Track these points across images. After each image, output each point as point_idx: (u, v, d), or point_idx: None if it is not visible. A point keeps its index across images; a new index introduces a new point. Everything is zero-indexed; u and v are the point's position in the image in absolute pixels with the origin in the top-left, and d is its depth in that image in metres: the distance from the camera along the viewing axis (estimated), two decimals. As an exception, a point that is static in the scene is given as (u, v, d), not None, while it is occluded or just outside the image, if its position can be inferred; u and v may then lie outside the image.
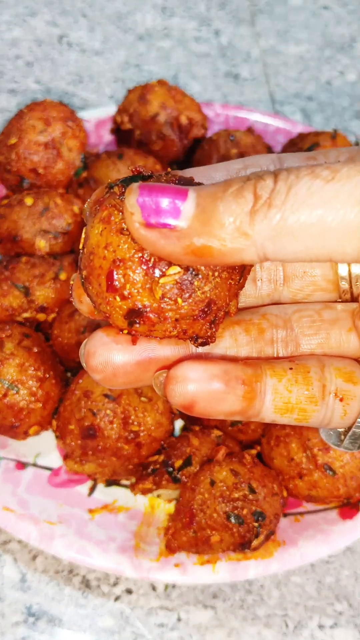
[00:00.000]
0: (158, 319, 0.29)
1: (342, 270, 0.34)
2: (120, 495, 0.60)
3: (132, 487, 0.59)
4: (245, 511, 0.52)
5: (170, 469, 0.56)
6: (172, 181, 0.30)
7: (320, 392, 0.33)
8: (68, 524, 0.56)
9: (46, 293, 0.66)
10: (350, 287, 0.35)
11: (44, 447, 0.62)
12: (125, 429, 0.57)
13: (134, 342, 0.32)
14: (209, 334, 0.31)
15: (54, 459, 0.61)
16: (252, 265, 0.32)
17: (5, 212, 0.70)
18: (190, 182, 0.30)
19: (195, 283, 0.29)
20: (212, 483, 0.53)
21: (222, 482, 0.53)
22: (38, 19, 1.14)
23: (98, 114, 0.85)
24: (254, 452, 0.59)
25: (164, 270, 0.29)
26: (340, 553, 0.60)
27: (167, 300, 0.29)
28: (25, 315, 0.65)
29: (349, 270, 0.34)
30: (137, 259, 0.29)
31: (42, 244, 0.69)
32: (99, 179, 0.73)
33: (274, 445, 0.58)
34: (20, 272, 0.66)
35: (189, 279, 0.29)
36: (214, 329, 0.31)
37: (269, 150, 0.81)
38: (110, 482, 0.60)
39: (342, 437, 0.36)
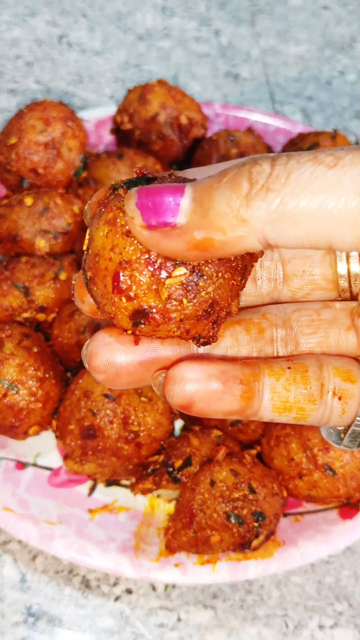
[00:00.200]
0: (163, 319, 0.30)
1: (342, 268, 0.34)
2: (120, 495, 0.60)
3: (132, 487, 0.59)
4: (245, 511, 0.52)
5: (170, 469, 0.56)
6: (175, 182, 0.30)
7: (318, 391, 0.33)
8: (68, 524, 0.56)
9: (46, 293, 0.66)
10: (350, 285, 0.35)
11: (44, 447, 0.62)
12: (125, 429, 0.57)
13: (136, 342, 0.32)
14: (211, 333, 0.31)
15: (54, 459, 0.61)
16: (252, 266, 0.32)
17: (5, 212, 0.70)
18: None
19: (200, 284, 0.29)
20: (212, 483, 0.53)
21: (222, 482, 0.53)
22: (38, 19, 1.14)
23: (98, 114, 0.85)
24: (254, 452, 0.59)
25: (170, 271, 0.29)
26: (340, 553, 0.60)
27: (173, 301, 0.29)
28: (25, 315, 0.65)
29: (348, 269, 0.34)
30: (143, 261, 0.29)
31: (42, 244, 0.69)
32: (99, 179, 0.73)
33: (274, 445, 0.58)
34: (20, 272, 0.66)
35: (195, 279, 0.29)
36: (216, 329, 0.31)
37: (269, 150, 0.81)
38: (110, 482, 0.60)
39: (342, 435, 0.36)
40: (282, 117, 0.88)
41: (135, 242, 0.29)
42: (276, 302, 0.36)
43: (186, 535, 0.54)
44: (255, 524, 0.52)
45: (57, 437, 0.60)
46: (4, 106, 1.00)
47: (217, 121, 0.87)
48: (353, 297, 0.35)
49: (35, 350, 0.61)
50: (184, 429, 0.64)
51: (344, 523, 0.56)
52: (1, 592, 0.57)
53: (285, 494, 0.57)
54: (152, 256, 0.29)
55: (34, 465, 0.61)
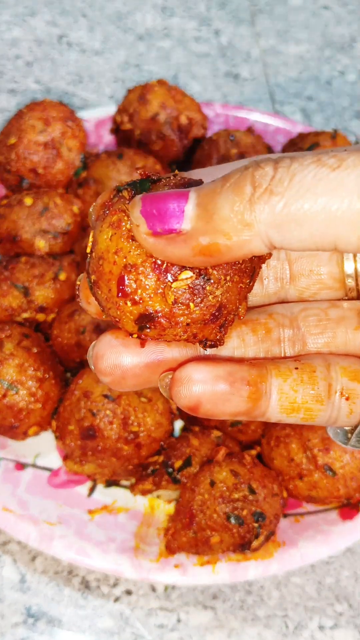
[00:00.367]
0: (169, 323, 0.29)
1: (349, 267, 0.34)
2: (120, 495, 0.60)
3: (131, 487, 0.59)
4: (245, 512, 0.52)
5: (170, 470, 0.56)
6: (180, 184, 0.30)
7: (326, 391, 0.33)
8: (67, 525, 0.56)
9: (46, 293, 0.65)
10: (357, 284, 0.35)
11: (44, 448, 0.62)
12: (125, 430, 0.57)
13: (142, 344, 0.32)
14: (218, 337, 0.31)
15: (54, 460, 0.61)
16: (260, 268, 0.32)
17: (5, 212, 0.70)
18: (198, 184, 0.30)
19: (208, 287, 0.29)
20: (212, 484, 0.53)
21: (222, 482, 0.53)
22: (38, 19, 1.14)
23: (98, 113, 0.84)
24: (254, 452, 0.59)
25: (176, 275, 0.29)
26: (341, 554, 0.60)
27: (180, 305, 0.29)
28: (25, 315, 0.65)
29: (355, 268, 0.34)
30: (149, 265, 0.29)
31: (42, 244, 0.69)
32: (99, 179, 0.73)
33: (274, 445, 0.58)
34: (20, 272, 0.66)
35: (201, 283, 0.29)
36: (223, 332, 0.31)
37: (269, 150, 0.81)
38: (110, 483, 0.60)
39: (349, 435, 0.36)
40: (282, 117, 0.87)
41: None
42: (283, 302, 0.36)
43: (186, 535, 0.54)
44: (255, 525, 0.52)
45: (56, 437, 0.59)
46: (4, 106, 1.00)
47: (217, 121, 0.87)
48: None
49: (35, 350, 0.60)
50: (184, 429, 0.64)
51: (344, 524, 0.56)
52: (1, 592, 0.57)
53: (285, 494, 0.57)
54: (158, 260, 0.29)
55: (34, 465, 0.61)
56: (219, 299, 0.29)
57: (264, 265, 0.35)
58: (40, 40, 1.10)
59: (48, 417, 0.61)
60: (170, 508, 0.59)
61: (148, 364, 0.32)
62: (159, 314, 0.29)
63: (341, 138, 0.76)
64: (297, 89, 1.06)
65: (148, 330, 0.30)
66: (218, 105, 0.88)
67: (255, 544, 0.52)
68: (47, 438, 0.62)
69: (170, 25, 1.15)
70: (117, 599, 0.57)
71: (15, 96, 1.01)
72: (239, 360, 0.33)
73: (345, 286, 0.35)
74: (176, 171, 0.32)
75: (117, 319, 0.30)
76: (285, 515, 0.58)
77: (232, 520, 0.52)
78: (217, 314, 0.30)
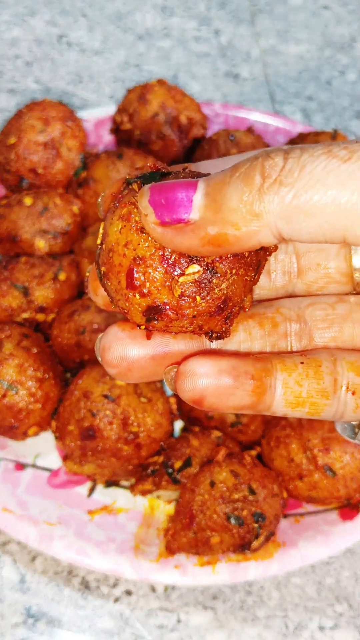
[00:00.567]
0: (176, 315, 0.30)
1: (357, 262, 0.34)
2: (119, 496, 0.60)
3: (131, 488, 0.59)
4: (245, 512, 0.52)
5: (170, 470, 0.56)
6: (189, 177, 0.30)
7: (332, 386, 0.33)
8: (67, 525, 0.56)
9: (45, 293, 0.65)
10: None
11: (44, 448, 0.62)
12: (125, 430, 0.57)
13: (148, 337, 0.32)
14: (223, 329, 0.31)
15: (54, 460, 0.61)
16: (266, 261, 0.32)
17: (5, 212, 0.70)
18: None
19: (214, 281, 0.30)
20: (212, 484, 0.53)
21: (222, 483, 0.53)
22: (38, 19, 1.13)
23: (97, 113, 0.84)
24: (254, 453, 0.59)
25: (183, 268, 0.29)
26: (341, 554, 0.60)
27: (186, 298, 0.30)
28: (25, 315, 0.65)
29: None
30: (157, 258, 0.29)
31: (42, 244, 0.69)
32: (99, 178, 0.73)
33: (274, 446, 0.58)
34: (20, 272, 0.66)
35: (208, 277, 0.29)
36: (228, 324, 0.31)
37: (269, 150, 0.80)
38: (109, 483, 0.60)
39: (357, 430, 0.36)
40: (282, 117, 0.87)
41: (149, 238, 0.29)
42: (290, 296, 0.36)
43: (186, 536, 0.53)
44: (255, 525, 0.52)
45: (56, 437, 0.59)
46: (4, 106, 1.00)
47: (217, 121, 0.87)
48: None
49: (35, 350, 0.60)
50: (184, 429, 0.64)
51: (344, 524, 0.56)
52: (1, 593, 0.57)
53: (285, 494, 0.57)
54: (166, 253, 0.29)
55: (34, 466, 0.61)
56: (225, 292, 0.30)
57: (271, 259, 0.35)
58: (40, 40, 1.10)
59: (48, 418, 0.61)
60: (170, 508, 0.59)
61: (154, 356, 0.32)
62: (167, 306, 0.30)
63: (341, 138, 0.76)
64: (297, 88, 1.06)
65: (155, 321, 0.30)
66: (218, 105, 0.88)
67: (255, 544, 0.52)
68: (47, 438, 0.62)
69: (170, 25, 1.15)
70: (117, 600, 0.57)
71: (14, 96, 1.01)
72: (245, 354, 0.33)
73: (353, 280, 0.35)
74: (185, 164, 0.33)
75: (125, 310, 0.31)
76: (285, 516, 0.58)
77: (232, 521, 0.52)
78: (222, 306, 0.30)
